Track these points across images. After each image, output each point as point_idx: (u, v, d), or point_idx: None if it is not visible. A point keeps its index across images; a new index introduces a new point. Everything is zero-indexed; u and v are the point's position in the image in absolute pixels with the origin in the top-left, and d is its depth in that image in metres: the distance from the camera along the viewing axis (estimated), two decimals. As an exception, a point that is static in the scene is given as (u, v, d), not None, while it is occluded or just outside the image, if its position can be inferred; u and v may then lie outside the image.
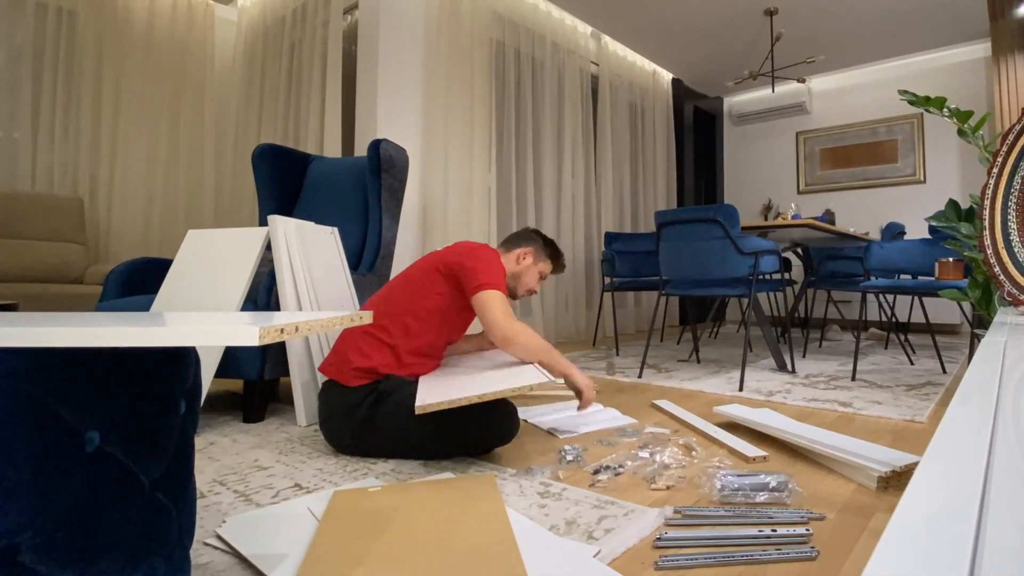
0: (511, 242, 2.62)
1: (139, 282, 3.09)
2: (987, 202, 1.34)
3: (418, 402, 1.85)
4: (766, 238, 4.19)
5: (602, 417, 2.71)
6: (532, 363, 2.22)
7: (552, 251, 2.67)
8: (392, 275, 3.47)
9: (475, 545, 1.35)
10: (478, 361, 2.46)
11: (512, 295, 2.58)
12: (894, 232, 5.16)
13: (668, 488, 1.78)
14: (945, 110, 1.83)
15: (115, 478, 0.91)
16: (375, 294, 2.42)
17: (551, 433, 2.46)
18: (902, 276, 4.29)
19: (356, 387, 2.12)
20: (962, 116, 1.80)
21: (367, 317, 1.14)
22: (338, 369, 2.18)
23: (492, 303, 2.21)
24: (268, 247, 2.70)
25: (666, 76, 7.60)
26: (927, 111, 1.89)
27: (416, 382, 2.18)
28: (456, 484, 1.75)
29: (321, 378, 2.67)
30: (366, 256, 3.25)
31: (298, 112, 5.05)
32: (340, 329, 2.10)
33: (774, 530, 1.44)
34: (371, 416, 2.06)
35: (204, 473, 1.93)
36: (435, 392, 1.95)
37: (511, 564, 1.26)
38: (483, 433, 2.04)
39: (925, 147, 6.99)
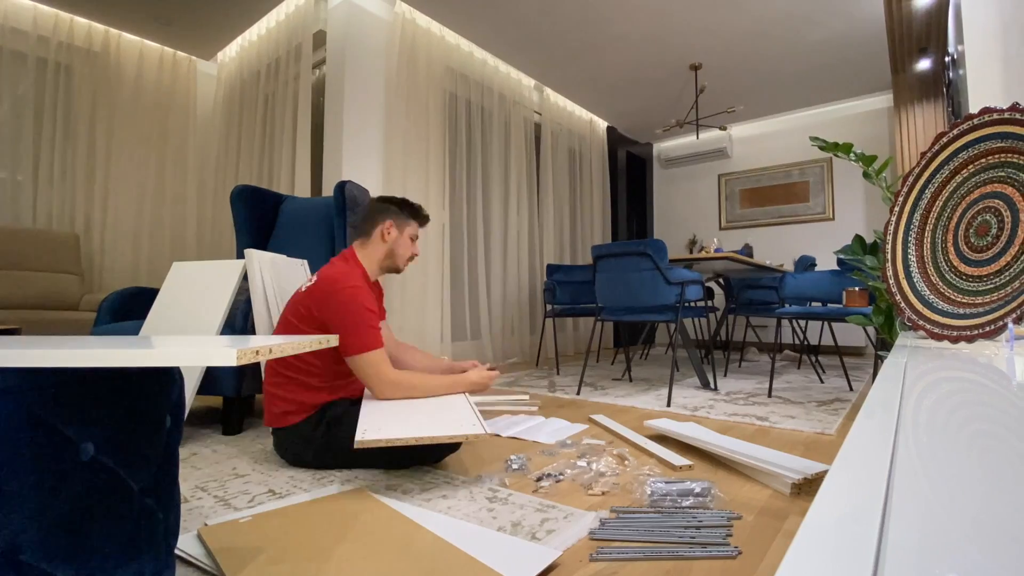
0: (367, 225, 2.34)
1: (129, 309, 3.05)
2: (889, 237, 1.35)
3: (358, 435, 1.70)
4: (691, 270, 4.23)
5: (556, 427, 2.69)
6: (466, 400, 2.14)
7: (411, 210, 2.39)
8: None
9: (420, 550, 1.36)
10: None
11: (395, 271, 2.39)
12: (806, 264, 5.18)
13: (604, 494, 1.78)
14: (852, 155, 1.84)
15: (108, 485, 0.91)
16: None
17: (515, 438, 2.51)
18: (813, 303, 4.31)
19: (299, 423, 2.04)
20: (867, 160, 1.80)
21: (332, 340, 1.16)
22: (276, 417, 2.07)
23: (368, 368, 2.06)
24: (245, 278, 2.68)
25: (602, 124, 7.65)
26: (836, 155, 1.88)
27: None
28: (338, 501, 1.68)
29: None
30: (334, 285, 3.24)
31: (272, 156, 5.01)
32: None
33: (698, 530, 1.45)
34: (327, 442, 2.00)
35: (187, 480, 1.91)
36: (376, 423, 1.83)
37: (454, 553, 1.28)
38: (437, 445, 1.96)
39: (834, 188, 7.05)
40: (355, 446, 1.67)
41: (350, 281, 2.10)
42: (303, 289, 2.18)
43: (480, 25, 5.14)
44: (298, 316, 2.12)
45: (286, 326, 2.16)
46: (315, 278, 2.17)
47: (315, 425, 2.03)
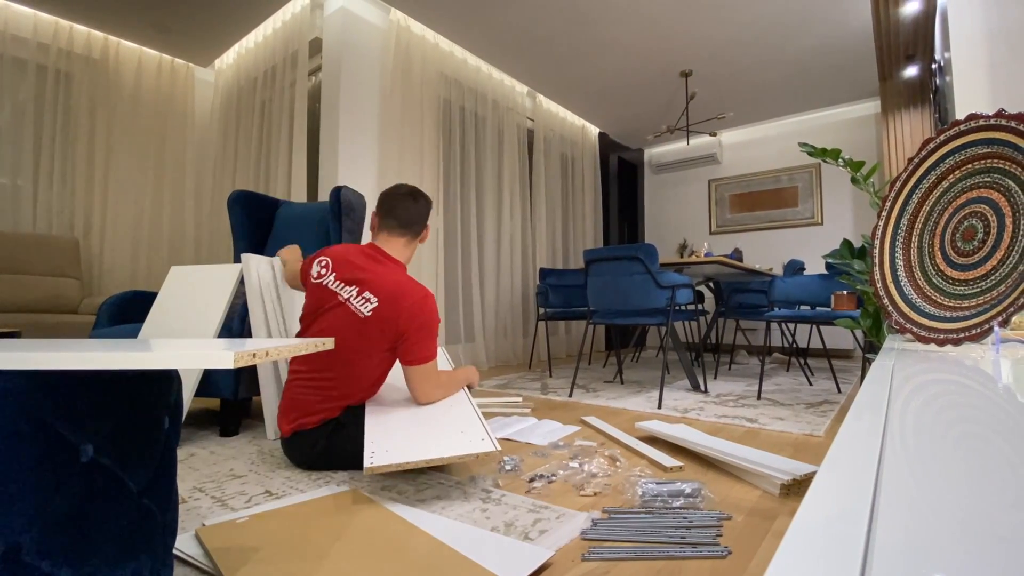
0: (420, 226, 2.28)
1: (128, 312, 3.04)
2: (877, 242, 1.35)
3: (367, 462, 1.67)
4: (682, 274, 4.20)
5: (548, 429, 2.69)
6: (473, 408, 2.11)
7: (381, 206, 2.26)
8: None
9: (415, 550, 1.36)
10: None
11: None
12: (795, 268, 5.17)
13: (595, 494, 1.78)
14: (840, 160, 1.84)
15: (107, 485, 0.91)
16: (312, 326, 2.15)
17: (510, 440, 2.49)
18: (802, 307, 4.28)
19: (315, 427, 2.02)
20: (855, 166, 1.80)
21: (328, 343, 1.15)
22: (297, 422, 2.03)
23: (430, 375, 2.11)
24: (242, 281, 2.68)
25: (593, 130, 7.64)
26: (824, 161, 1.87)
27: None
28: (334, 502, 1.68)
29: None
30: (330, 288, 3.23)
31: (268, 161, 5.00)
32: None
33: (689, 530, 1.45)
34: (330, 445, 2.00)
35: (185, 481, 1.91)
36: (383, 444, 1.81)
37: (448, 553, 1.28)
38: None
39: (822, 193, 7.03)
40: (364, 472, 1.69)
41: (429, 292, 2.12)
42: (366, 314, 2.04)
43: (473, 32, 5.15)
44: (373, 340, 2.06)
45: (372, 355, 2.08)
46: (377, 300, 2.04)
47: (325, 429, 2.03)
